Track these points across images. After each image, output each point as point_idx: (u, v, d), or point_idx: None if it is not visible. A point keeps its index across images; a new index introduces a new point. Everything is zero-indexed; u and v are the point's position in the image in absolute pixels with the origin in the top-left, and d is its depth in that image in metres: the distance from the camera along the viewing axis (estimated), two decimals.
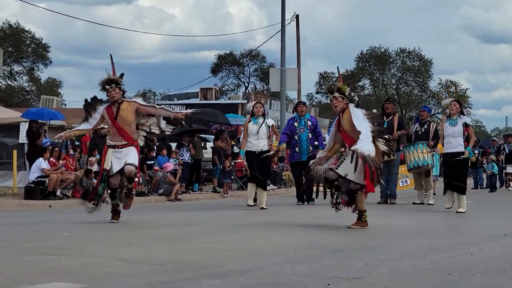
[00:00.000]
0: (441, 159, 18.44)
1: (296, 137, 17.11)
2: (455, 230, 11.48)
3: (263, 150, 15.49)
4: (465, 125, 14.48)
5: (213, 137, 26.69)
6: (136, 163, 12.05)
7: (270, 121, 15.88)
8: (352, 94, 11.31)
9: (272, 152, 15.83)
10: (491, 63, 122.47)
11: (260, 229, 11.01)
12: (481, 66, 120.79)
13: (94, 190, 11.97)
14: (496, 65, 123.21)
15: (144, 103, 12.38)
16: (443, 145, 14.62)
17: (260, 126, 15.46)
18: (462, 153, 14.35)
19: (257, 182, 15.58)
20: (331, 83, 11.33)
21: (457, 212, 14.28)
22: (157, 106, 12.60)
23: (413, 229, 11.29)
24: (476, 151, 29.39)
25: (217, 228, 11.30)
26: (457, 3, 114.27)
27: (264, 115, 15.67)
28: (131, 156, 11.90)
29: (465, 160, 14.51)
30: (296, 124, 17.24)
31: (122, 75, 11.95)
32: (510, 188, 27.68)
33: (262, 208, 15.27)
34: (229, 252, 8.20)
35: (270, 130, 15.68)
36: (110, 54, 12.38)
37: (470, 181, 28.82)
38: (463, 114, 14.68)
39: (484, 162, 29.53)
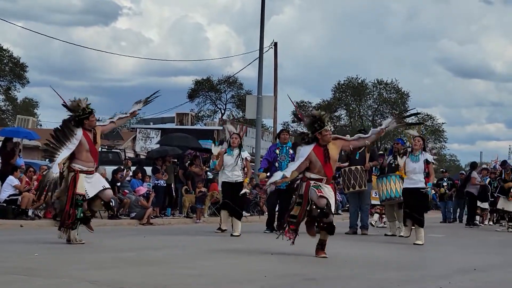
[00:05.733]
0: None
1: (276, 164, 16.84)
2: (426, 262, 11.52)
3: (238, 181, 15.57)
4: (426, 162, 14.66)
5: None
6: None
7: (245, 154, 15.90)
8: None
9: (246, 191, 15.84)
10: (465, 97, 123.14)
11: (232, 256, 11.01)
12: (455, 100, 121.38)
13: (71, 217, 11.52)
14: (470, 100, 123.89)
15: (104, 123, 12.48)
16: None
17: (236, 158, 15.57)
18: (423, 188, 14.63)
19: (230, 210, 15.52)
20: (322, 112, 11.05)
21: (414, 244, 14.43)
22: (115, 120, 12.64)
23: (384, 260, 11.32)
24: (445, 183, 29.31)
25: (189, 253, 11.29)
26: (435, 36, 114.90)
27: (239, 147, 15.74)
28: (103, 180, 12.19)
29: (425, 194, 14.81)
30: (277, 151, 17.02)
31: (86, 99, 11.94)
32: (481, 225, 26.29)
33: (232, 235, 15.19)
34: (200, 278, 8.19)
35: (244, 162, 15.75)
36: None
37: (438, 215, 29.03)
38: (425, 151, 14.83)
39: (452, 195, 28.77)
